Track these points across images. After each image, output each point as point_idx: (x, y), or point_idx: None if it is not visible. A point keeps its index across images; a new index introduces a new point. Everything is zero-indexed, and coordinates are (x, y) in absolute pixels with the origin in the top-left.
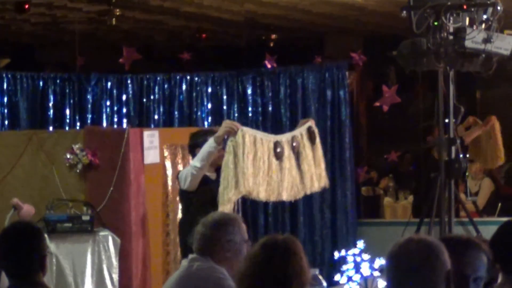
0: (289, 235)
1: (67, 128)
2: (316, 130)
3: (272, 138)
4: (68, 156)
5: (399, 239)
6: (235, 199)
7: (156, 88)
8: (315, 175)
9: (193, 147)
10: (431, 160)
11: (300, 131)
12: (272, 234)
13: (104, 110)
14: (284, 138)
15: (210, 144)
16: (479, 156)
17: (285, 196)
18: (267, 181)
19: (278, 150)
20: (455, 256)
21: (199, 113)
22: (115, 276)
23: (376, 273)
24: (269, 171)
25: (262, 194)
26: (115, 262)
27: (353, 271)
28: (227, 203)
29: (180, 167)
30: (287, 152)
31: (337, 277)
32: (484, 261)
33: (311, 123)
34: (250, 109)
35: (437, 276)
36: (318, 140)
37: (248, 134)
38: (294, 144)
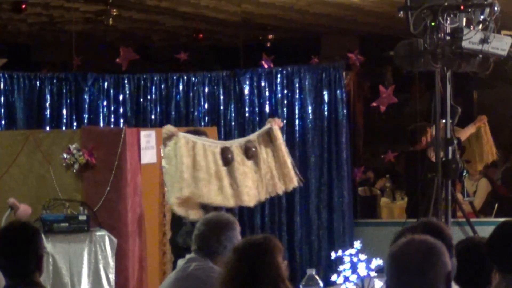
0: (264, 235)
1: (63, 128)
2: (277, 131)
3: (220, 144)
4: (65, 156)
5: (402, 238)
6: (180, 201)
7: (153, 88)
8: (278, 177)
9: None
10: (427, 160)
11: (258, 134)
12: (247, 237)
13: (101, 110)
14: (235, 143)
15: None
16: (468, 156)
17: (247, 201)
18: (217, 186)
19: (228, 155)
20: None
21: (196, 113)
22: (112, 276)
23: (373, 274)
24: (217, 177)
25: (215, 199)
26: (111, 262)
27: (350, 271)
28: (176, 206)
29: None
30: (239, 157)
31: (333, 277)
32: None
33: (270, 124)
34: (247, 109)
35: (437, 277)
36: (280, 141)
37: (184, 139)
38: (253, 149)
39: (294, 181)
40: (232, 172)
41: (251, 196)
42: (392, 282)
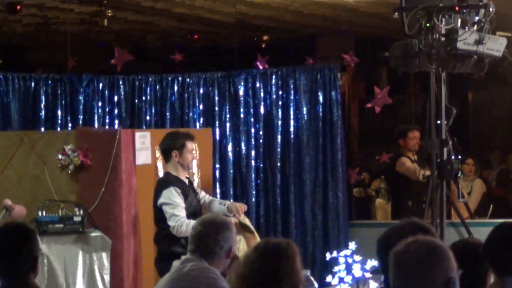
0: (286, 239)
1: (58, 129)
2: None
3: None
4: (60, 157)
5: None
6: None
7: (148, 89)
8: None
9: (170, 150)
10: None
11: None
12: (268, 238)
13: (95, 111)
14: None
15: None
16: None
17: None
18: None
19: None
20: None
21: (190, 114)
22: (107, 277)
23: (368, 275)
24: None
25: None
26: (106, 263)
27: (345, 272)
28: None
29: None
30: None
31: (328, 278)
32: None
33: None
34: (241, 110)
35: (434, 280)
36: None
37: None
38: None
39: None
40: None
41: None
42: (392, 280)
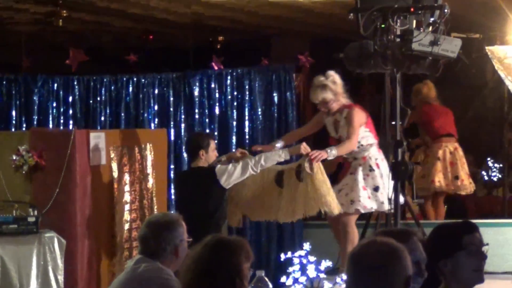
0: (238, 237)
1: (13, 129)
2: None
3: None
4: (14, 158)
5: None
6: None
7: (103, 89)
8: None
9: (198, 148)
10: None
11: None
12: (219, 234)
13: (50, 111)
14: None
15: (281, 155)
16: None
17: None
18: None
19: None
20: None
21: (145, 115)
22: (61, 278)
23: (322, 275)
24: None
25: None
26: (60, 263)
27: (299, 272)
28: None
29: (126, 168)
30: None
31: (283, 279)
32: (421, 247)
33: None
34: (196, 110)
35: (396, 280)
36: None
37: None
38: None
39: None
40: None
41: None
42: (351, 281)
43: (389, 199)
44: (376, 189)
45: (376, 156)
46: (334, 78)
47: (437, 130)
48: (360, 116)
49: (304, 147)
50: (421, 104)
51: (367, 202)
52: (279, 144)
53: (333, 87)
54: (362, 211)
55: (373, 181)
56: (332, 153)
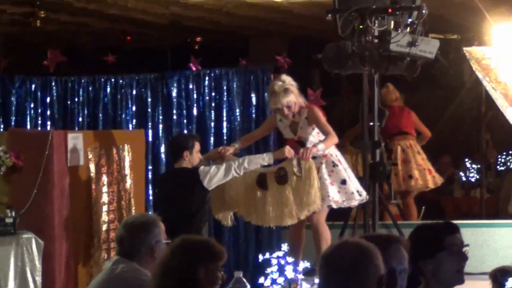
0: (206, 238)
1: None
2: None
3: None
4: None
5: (335, 241)
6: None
7: (81, 90)
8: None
9: (182, 149)
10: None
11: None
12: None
13: (28, 112)
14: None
15: (265, 159)
16: None
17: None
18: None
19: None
20: (381, 251)
21: (123, 116)
22: (38, 279)
23: (300, 276)
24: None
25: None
26: (38, 264)
27: (277, 273)
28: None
29: (104, 169)
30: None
31: (261, 280)
32: (405, 255)
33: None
34: (174, 111)
35: (369, 280)
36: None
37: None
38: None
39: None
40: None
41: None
42: (323, 283)
43: (358, 191)
44: (343, 182)
45: (336, 153)
46: (291, 81)
47: (390, 129)
48: (321, 113)
49: (288, 150)
50: None
51: (337, 196)
52: (237, 145)
53: (294, 90)
54: (335, 206)
55: (338, 175)
56: (320, 147)
